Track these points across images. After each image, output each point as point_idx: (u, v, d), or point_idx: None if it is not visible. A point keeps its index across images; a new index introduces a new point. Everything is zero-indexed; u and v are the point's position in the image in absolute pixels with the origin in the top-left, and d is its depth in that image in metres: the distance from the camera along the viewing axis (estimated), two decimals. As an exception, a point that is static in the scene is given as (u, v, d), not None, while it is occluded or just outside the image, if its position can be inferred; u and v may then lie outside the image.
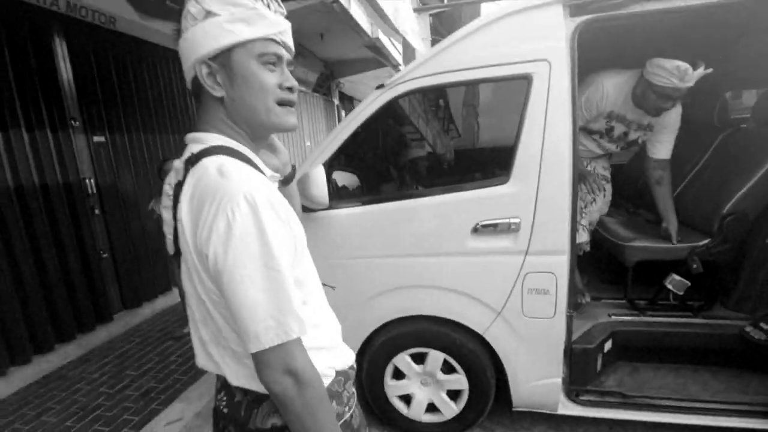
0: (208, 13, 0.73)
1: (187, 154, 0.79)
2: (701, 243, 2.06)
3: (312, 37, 6.17)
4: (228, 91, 0.77)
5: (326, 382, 0.83)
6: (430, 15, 9.40)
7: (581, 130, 2.20)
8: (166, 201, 0.81)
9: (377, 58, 6.96)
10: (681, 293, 2.09)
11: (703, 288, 2.20)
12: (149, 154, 4.26)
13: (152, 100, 4.30)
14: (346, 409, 0.88)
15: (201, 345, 0.83)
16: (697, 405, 1.84)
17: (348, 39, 6.06)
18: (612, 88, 2.09)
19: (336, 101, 9.29)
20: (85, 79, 3.56)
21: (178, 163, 0.80)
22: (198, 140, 0.80)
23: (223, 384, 0.86)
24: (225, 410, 0.85)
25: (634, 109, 2.11)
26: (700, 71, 1.86)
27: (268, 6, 0.77)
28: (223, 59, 0.76)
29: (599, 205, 2.41)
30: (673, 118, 2.17)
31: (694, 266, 2.03)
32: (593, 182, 2.18)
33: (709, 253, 2.05)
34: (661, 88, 1.93)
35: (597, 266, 2.65)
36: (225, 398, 0.85)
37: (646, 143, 2.28)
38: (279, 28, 0.78)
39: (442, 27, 10.76)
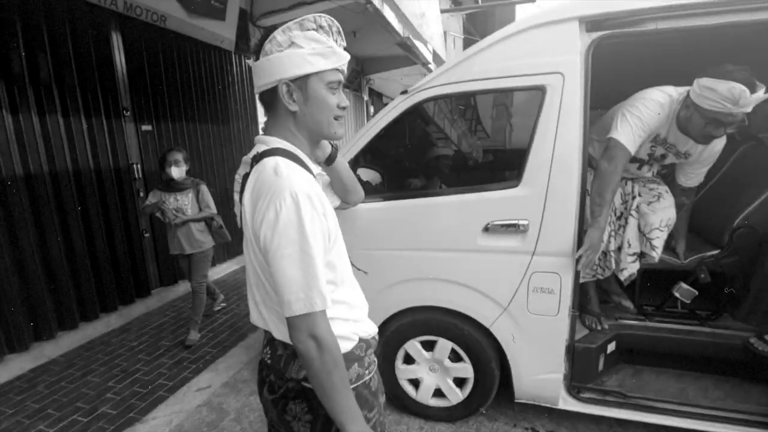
0: (293, 44, 0.93)
1: (253, 152, 0.99)
2: (710, 254, 2.10)
3: (345, 34, 6.30)
4: (301, 107, 0.97)
5: (350, 345, 1.00)
6: (463, 15, 9.40)
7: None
8: (237, 187, 1.02)
9: (408, 56, 7.06)
10: (688, 301, 2.13)
11: (712, 298, 2.23)
12: (190, 143, 4.56)
13: (195, 92, 4.60)
14: (366, 372, 1.04)
15: (254, 305, 1.03)
16: (697, 410, 1.88)
17: (380, 37, 6.19)
18: (667, 105, 1.88)
19: (366, 97, 9.45)
20: (137, 72, 3.88)
21: (246, 158, 1.01)
22: (264, 142, 0.99)
23: (269, 340, 1.04)
24: (269, 361, 1.03)
25: (677, 133, 1.90)
26: (760, 94, 1.60)
27: (336, 41, 0.98)
28: (301, 83, 0.95)
29: (660, 214, 2.07)
30: (716, 150, 1.96)
31: (702, 276, 2.07)
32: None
33: (719, 264, 2.09)
34: (710, 113, 1.69)
35: None
36: (269, 352, 1.04)
37: (677, 170, 2.13)
38: (344, 60, 0.98)
39: (474, 27, 10.72)
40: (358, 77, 8.72)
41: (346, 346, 0.97)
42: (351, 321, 1.02)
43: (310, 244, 0.85)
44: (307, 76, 0.94)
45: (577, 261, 1.76)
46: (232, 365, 2.90)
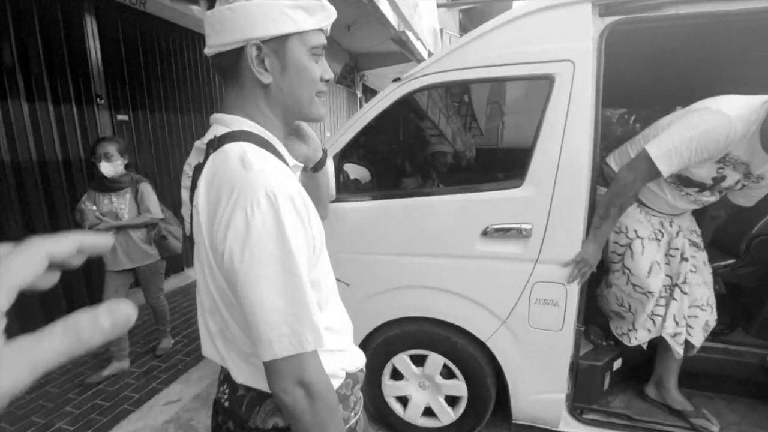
0: None
1: (209, 135, 0.75)
2: (725, 263, 1.95)
3: (339, 28, 6.14)
4: (276, 79, 0.74)
5: (336, 384, 0.79)
6: (460, 11, 9.25)
7: (674, 177, 1.65)
8: (186, 181, 0.78)
9: (403, 52, 6.88)
10: (700, 315, 1.98)
11: (725, 311, 2.08)
12: (170, 134, 4.33)
13: (177, 82, 4.36)
14: (352, 414, 0.84)
15: (208, 334, 0.80)
16: None
17: (374, 32, 6.01)
18: (740, 121, 1.47)
19: (359, 94, 9.24)
20: (113, 58, 3.63)
21: (199, 144, 0.77)
22: (223, 122, 0.75)
23: (226, 376, 0.82)
24: (226, 404, 0.81)
25: (757, 149, 1.51)
26: None
27: None
28: (277, 45, 0.72)
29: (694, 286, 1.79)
30: None
31: (716, 287, 1.92)
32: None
33: (734, 274, 1.94)
34: None
35: None
36: (227, 391, 0.82)
37: (733, 191, 1.78)
38: (332, 18, 0.75)
39: (471, 24, 10.58)
40: (351, 73, 8.51)
41: None
42: (336, 352, 0.81)
43: (296, 261, 0.64)
44: (285, 37, 0.71)
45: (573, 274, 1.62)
46: (206, 375, 2.68)
